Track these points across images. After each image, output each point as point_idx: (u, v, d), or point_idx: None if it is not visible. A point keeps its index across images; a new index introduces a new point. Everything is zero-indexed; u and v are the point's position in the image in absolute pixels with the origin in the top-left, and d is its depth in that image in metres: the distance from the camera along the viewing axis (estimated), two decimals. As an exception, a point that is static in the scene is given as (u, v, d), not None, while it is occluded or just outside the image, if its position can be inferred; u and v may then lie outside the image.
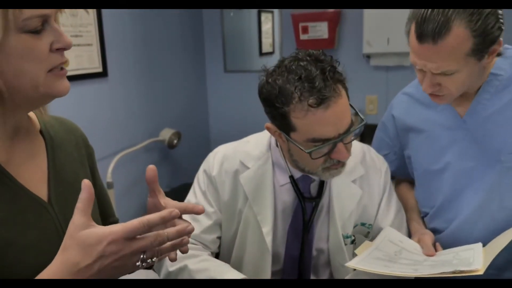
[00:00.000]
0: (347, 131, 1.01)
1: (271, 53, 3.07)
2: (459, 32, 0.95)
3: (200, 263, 1.12)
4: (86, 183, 0.66)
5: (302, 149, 1.03)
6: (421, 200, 1.27)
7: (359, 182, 1.19)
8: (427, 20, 0.96)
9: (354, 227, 1.18)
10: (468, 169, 1.14)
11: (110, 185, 2.27)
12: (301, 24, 2.75)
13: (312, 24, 2.72)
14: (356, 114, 1.06)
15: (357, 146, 1.24)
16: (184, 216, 1.15)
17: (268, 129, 1.10)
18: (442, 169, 1.18)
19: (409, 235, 1.22)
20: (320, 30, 2.72)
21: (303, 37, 2.77)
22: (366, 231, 1.20)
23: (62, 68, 0.74)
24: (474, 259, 0.96)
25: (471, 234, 1.09)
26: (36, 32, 0.69)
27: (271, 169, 1.17)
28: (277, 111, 1.01)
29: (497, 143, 1.09)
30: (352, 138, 1.07)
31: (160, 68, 2.74)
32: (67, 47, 0.73)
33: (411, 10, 1.02)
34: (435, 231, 1.20)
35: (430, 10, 0.96)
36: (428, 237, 1.14)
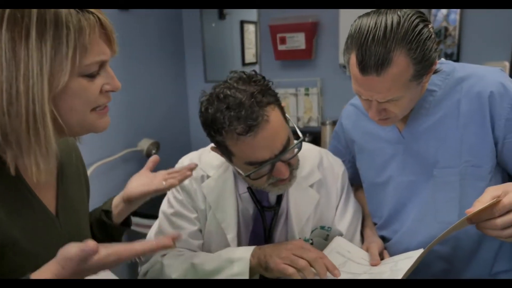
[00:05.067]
0: (283, 151, 1.01)
1: (254, 64, 3.08)
2: (400, 61, 0.94)
3: (204, 255, 1.13)
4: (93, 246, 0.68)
5: (241, 173, 1.05)
6: (371, 211, 1.29)
7: (317, 187, 1.20)
8: (368, 53, 0.94)
9: (313, 231, 1.20)
10: (408, 183, 1.16)
11: (85, 195, 2.25)
12: (278, 35, 2.78)
13: (289, 35, 2.75)
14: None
15: (314, 150, 1.26)
16: (168, 228, 1.17)
17: (215, 150, 1.11)
18: (385, 182, 1.21)
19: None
20: (297, 40, 2.75)
21: (281, 47, 2.80)
22: (325, 234, 1.21)
23: (105, 106, 0.81)
24: (406, 270, 0.97)
25: (411, 246, 1.11)
26: (92, 76, 0.75)
27: (232, 177, 1.17)
28: (214, 139, 1.04)
29: (431, 157, 1.11)
30: (292, 155, 1.05)
31: (139, 78, 2.75)
32: (116, 90, 0.81)
33: (349, 38, 1.00)
34: (384, 240, 1.22)
35: (370, 40, 0.94)
36: (375, 245, 1.16)
